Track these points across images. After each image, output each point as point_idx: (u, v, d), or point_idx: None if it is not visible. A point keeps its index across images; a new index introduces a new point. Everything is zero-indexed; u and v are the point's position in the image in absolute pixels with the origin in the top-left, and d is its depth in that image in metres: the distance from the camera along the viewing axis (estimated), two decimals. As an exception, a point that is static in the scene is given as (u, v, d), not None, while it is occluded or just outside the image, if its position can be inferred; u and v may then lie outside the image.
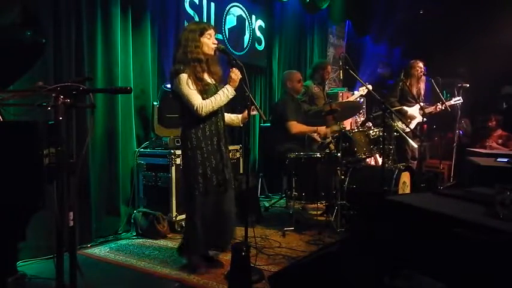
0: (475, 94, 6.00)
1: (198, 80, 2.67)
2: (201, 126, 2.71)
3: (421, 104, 4.85)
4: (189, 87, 2.63)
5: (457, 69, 7.13)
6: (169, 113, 3.88)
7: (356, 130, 4.15)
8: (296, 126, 4.14)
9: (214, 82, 2.80)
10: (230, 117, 3.01)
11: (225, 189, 2.78)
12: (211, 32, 2.74)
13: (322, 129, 4.20)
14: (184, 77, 2.62)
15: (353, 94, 5.39)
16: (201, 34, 2.70)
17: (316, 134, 4.32)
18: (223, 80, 2.80)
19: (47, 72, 3.05)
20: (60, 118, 1.72)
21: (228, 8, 5.01)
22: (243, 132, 3.04)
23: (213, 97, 2.68)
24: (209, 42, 2.72)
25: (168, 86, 3.13)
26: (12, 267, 2.25)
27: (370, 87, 4.62)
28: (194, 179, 2.70)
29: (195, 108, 2.62)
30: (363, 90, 4.95)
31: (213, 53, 2.74)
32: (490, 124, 6.22)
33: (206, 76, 2.76)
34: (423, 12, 7.63)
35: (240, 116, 3.04)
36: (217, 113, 2.76)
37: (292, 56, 6.21)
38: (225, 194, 2.79)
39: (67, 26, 3.20)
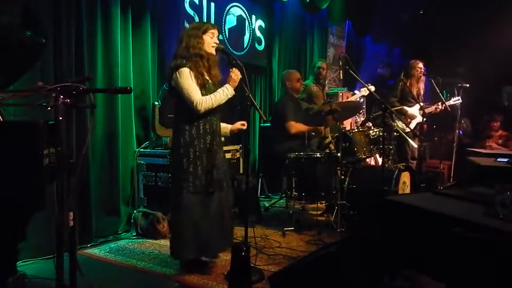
0: (475, 94, 6.00)
1: (199, 74, 2.66)
2: (196, 123, 2.68)
3: (421, 104, 4.85)
4: (190, 82, 2.60)
5: (457, 69, 7.12)
6: (170, 113, 3.86)
7: (356, 130, 4.15)
8: (295, 126, 4.14)
9: (212, 83, 2.78)
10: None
11: (219, 188, 2.73)
12: (214, 31, 2.74)
13: (322, 129, 4.20)
14: (186, 70, 2.60)
15: (354, 94, 5.39)
16: (204, 32, 2.71)
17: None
18: (222, 83, 2.78)
19: (47, 72, 3.05)
20: (60, 118, 1.72)
21: (228, 8, 5.01)
22: (243, 132, 3.03)
23: (212, 94, 2.66)
24: (211, 41, 2.71)
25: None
26: (12, 267, 2.25)
27: (372, 88, 4.59)
28: (184, 177, 2.65)
29: (194, 103, 2.59)
30: (364, 91, 4.94)
31: (214, 52, 2.74)
32: (494, 124, 6.21)
33: (205, 73, 2.74)
34: (423, 12, 7.63)
35: (229, 126, 3.00)
36: (214, 113, 2.74)
37: (292, 56, 6.21)
38: (215, 195, 2.71)
39: (67, 26, 3.20)
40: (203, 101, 2.61)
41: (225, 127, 2.99)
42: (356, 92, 5.32)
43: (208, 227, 2.68)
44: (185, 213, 2.65)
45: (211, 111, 2.71)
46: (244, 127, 2.95)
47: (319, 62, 5.17)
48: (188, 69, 2.61)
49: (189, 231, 2.64)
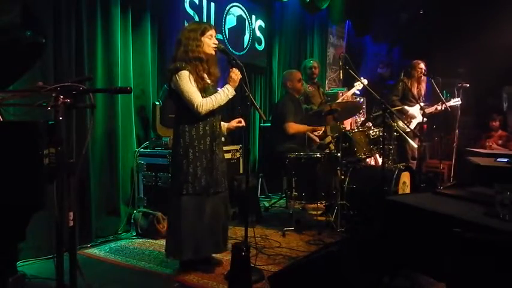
0: (475, 94, 6.00)
1: (199, 78, 2.66)
2: (196, 125, 2.68)
3: (422, 104, 4.85)
4: (190, 85, 2.61)
5: (457, 69, 7.12)
6: (171, 113, 3.85)
7: (356, 130, 4.15)
8: (293, 127, 4.14)
9: (211, 83, 2.78)
10: None
11: (214, 191, 2.72)
12: (212, 32, 2.74)
13: (321, 128, 4.21)
14: (185, 73, 2.60)
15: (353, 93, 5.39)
16: (203, 33, 2.70)
17: (315, 132, 4.32)
18: (221, 82, 2.78)
19: (47, 72, 3.05)
20: (60, 118, 1.72)
21: (228, 8, 5.01)
22: (243, 132, 3.02)
23: (213, 96, 2.67)
24: (210, 42, 2.71)
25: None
26: (12, 267, 2.25)
27: (365, 81, 4.61)
28: (184, 178, 2.65)
29: (195, 106, 2.60)
30: (358, 85, 4.96)
31: (213, 52, 2.73)
32: (493, 124, 6.21)
33: (206, 76, 2.75)
34: (423, 12, 7.63)
35: (226, 124, 2.97)
36: (214, 114, 2.74)
37: (292, 56, 6.21)
38: (214, 196, 2.73)
39: (67, 26, 3.20)
40: (204, 103, 2.62)
41: (222, 125, 2.95)
42: (355, 91, 5.32)
43: (204, 228, 2.68)
44: (184, 214, 2.65)
45: (212, 113, 2.71)
46: (241, 124, 2.92)
47: (310, 62, 5.17)
48: (188, 73, 2.61)
49: (186, 232, 2.64)
